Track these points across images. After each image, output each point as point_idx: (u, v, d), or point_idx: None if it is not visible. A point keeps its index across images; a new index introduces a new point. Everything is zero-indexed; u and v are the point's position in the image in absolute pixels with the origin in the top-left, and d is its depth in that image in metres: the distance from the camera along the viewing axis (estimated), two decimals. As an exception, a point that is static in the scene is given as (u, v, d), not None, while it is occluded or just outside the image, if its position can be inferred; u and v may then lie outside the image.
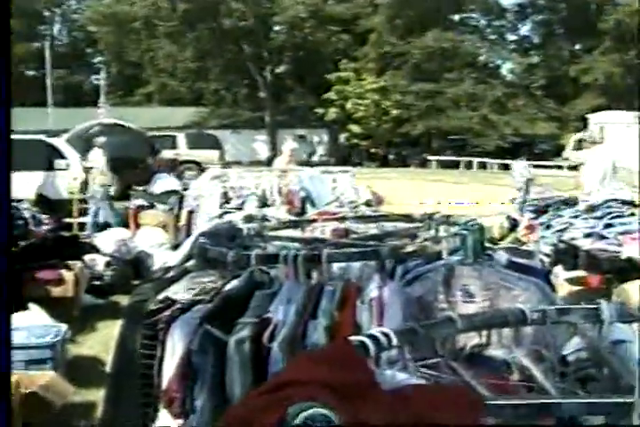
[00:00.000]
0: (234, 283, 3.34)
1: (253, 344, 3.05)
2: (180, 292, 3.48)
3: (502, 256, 3.62)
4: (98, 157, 15.63)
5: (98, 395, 6.05)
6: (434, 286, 3.40)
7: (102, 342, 7.72)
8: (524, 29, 58.03)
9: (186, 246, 4.20)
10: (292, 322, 3.08)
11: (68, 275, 8.46)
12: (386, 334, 1.97)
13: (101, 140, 17.49)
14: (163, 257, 9.67)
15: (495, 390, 2.13)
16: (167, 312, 3.34)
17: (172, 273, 3.80)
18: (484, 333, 2.81)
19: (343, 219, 4.62)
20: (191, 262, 3.72)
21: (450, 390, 1.85)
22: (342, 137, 50.01)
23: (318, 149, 32.56)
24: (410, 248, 3.62)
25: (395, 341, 1.98)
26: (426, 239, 3.97)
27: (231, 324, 3.13)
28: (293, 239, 4.20)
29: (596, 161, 11.09)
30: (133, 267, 10.38)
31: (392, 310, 3.17)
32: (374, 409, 1.56)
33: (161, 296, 3.48)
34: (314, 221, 4.59)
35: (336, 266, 3.53)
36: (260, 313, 3.14)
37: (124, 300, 9.27)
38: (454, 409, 1.66)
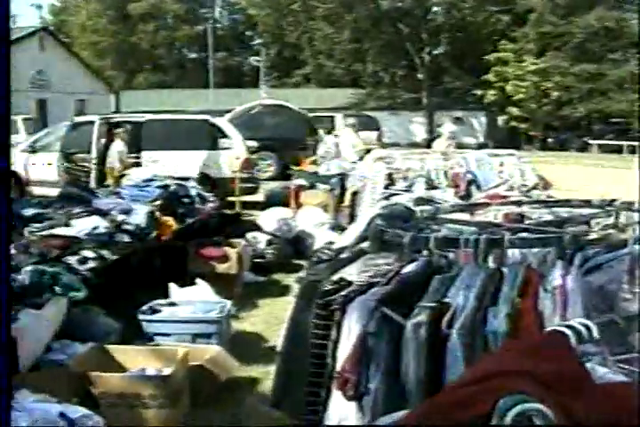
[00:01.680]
0: (411, 266, 3.29)
1: (431, 329, 3.01)
2: (354, 273, 3.47)
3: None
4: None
5: (260, 371, 6.15)
6: (617, 275, 3.25)
7: (264, 319, 7.84)
8: (697, 7, 54.99)
9: (359, 227, 4.17)
10: (471, 308, 3.02)
11: (231, 252, 8.63)
12: (586, 326, 1.88)
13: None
14: (323, 237, 9.74)
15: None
16: (342, 293, 3.33)
17: (345, 254, 3.79)
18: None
19: (519, 203, 4.50)
20: (366, 244, 3.69)
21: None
22: (500, 119, 49.12)
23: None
24: (593, 235, 3.49)
25: (595, 333, 1.89)
26: (607, 226, 3.81)
27: (408, 307, 3.09)
28: (466, 223, 4.10)
29: None
30: (294, 246, 10.50)
31: (575, 298, 3.06)
32: (587, 405, 1.47)
33: (335, 277, 3.47)
34: (487, 204, 4.48)
35: (513, 251, 3.44)
36: (438, 298, 3.09)
37: (284, 278, 9.41)
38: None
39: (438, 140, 14.52)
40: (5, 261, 2.66)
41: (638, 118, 37.62)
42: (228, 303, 6.75)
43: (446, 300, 3.07)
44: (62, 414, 4.35)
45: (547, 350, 1.60)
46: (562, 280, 3.07)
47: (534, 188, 7.30)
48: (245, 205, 14.11)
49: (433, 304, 3.04)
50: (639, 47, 38.79)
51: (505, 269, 3.20)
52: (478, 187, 7.67)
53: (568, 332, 1.82)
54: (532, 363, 1.53)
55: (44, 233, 6.85)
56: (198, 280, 7.47)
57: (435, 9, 52.02)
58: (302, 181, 12.82)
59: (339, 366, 3.23)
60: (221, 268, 8.47)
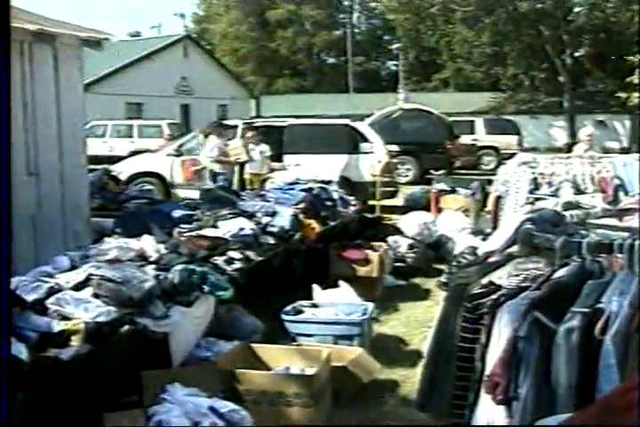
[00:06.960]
0: (563, 270, 3.26)
1: (583, 335, 2.98)
2: (503, 277, 3.46)
3: None
4: None
5: (401, 374, 6.17)
6: None
7: (404, 322, 7.85)
8: None
9: (506, 231, 4.14)
10: (625, 315, 2.97)
11: (373, 255, 8.66)
12: None
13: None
14: (464, 241, 9.67)
15: None
16: (492, 297, 3.32)
17: (493, 258, 3.78)
18: None
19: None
20: (514, 248, 3.67)
21: None
22: (645, 123, 47.50)
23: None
24: None
25: None
26: None
27: (560, 312, 3.07)
28: (617, 228, 4.03)
29: None
30: (434, 250, 10.45)
31: None
32: None
33: (484, 281, 3.47)
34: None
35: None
36: (591, 303, 3.05)
37: (425, 282, 9.39)
38: None
39: (579, 145, 14.17)
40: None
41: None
42: (371, 306, 6.78)
43: (599, 306, 3.03)
44: (212, 408, 4.49)
45: None
46: None
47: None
48: (385, 208, 14.15)
49: (586, 310, 3.00)
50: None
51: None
52: (626, 192, 7.47)
53: None
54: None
55: (192, 234, 7.03)
56: (341, 282, 7.53)
57: (576, 10, 50.66)
58: (443, 185, 12.76)
59: (488, 370, 3.23)
60: (362, 270, 8.52)
